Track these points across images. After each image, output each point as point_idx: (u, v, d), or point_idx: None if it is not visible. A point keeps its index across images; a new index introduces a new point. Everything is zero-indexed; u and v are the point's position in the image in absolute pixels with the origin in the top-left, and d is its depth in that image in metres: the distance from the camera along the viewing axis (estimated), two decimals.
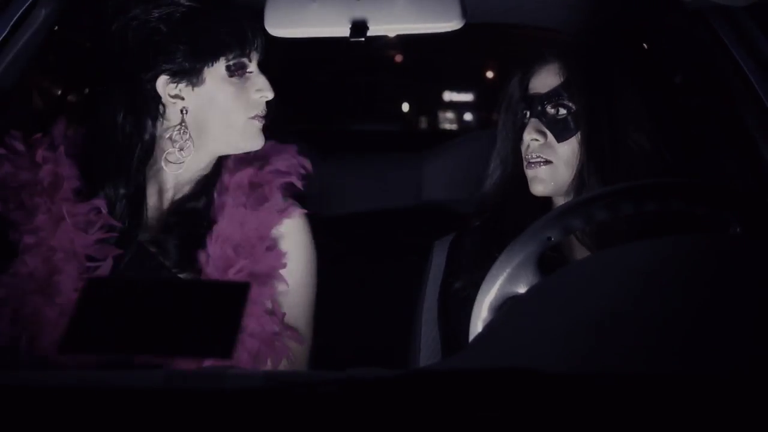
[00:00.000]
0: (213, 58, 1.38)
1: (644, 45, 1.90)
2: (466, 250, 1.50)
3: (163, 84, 1.39)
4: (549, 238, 1.00)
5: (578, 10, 1.95)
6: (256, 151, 1.46)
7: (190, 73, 1.38)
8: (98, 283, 0.73)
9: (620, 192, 0.99)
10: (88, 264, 1.35)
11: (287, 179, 1.46)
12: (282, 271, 1.42)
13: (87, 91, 2.17)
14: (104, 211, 1.37)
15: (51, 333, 1.31)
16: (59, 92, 2.19)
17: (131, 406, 0.66)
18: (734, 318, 0.77)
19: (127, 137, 1.40)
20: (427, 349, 1.63)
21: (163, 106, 1.40)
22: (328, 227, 2.26)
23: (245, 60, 1.41)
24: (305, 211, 1.48)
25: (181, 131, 1.40)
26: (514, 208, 1.45)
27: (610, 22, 1.84)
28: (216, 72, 1.39)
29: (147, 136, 1.40)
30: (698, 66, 1.69)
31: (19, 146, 1.40)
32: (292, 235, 1.45)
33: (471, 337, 0.99)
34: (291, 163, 1.47)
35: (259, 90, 1.42)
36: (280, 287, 1.42)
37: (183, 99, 1.40)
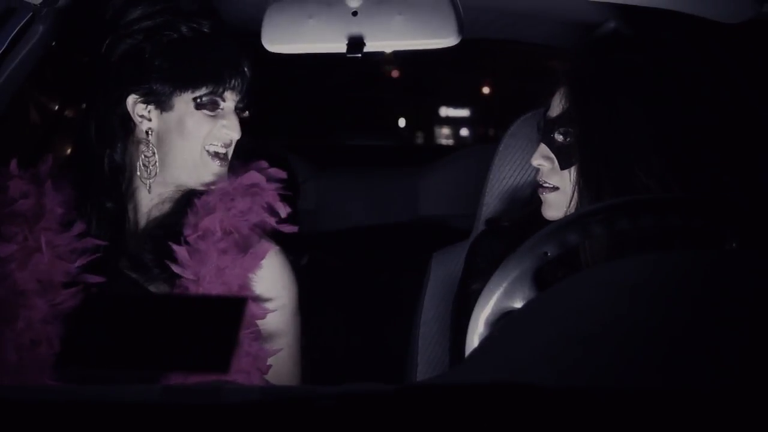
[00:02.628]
0: (183, 88, 1.40)
1: (639, 62, 1.91)
2: (485, 253, 1.48)
3: (132, 102, 1.41)
4: (545, 253, 1.00)
5: (572, 27, 1.97)
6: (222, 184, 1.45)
7: (159, 97, 1.40)
8: (95, 298, 0.73)
9: (617, 207, 1.00)
10: (63, 292, 1.34)
11: (257, 219, 1.44)
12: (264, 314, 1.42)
13: (84, 107, 2.18)
14: (85, 233, 1.38)
15: (19, 364, 1.30)
16: (56, 108, 2.19)
17: (127, 420, 0.66)
18: (732, 333, 0.77)
19: (100, 152, 1.42)
20: (425, 363, 1.63)
21: (133, 123, 1.42)
22: (323, 242, 2.27)
23: (217, 98, 1.41)
24: (278, 248, 1.46)
25: (146, 151, 1.42)
26: (540, 217, 1.41)
27: (603, 39, 1.85)
28: (185, 101, 1.40)
29: (117, 152, 1.43)
30: (692, 81, 1.69)
31: (8, 178, 1.40)
32: (271, 278, 1.44)
33: (467, 352, 0.99)
34: (257, 200, 1.45)
35: (224, 127, 1.41)
36: (263, 333, 1.42)
37: (150, 120, 1.42)
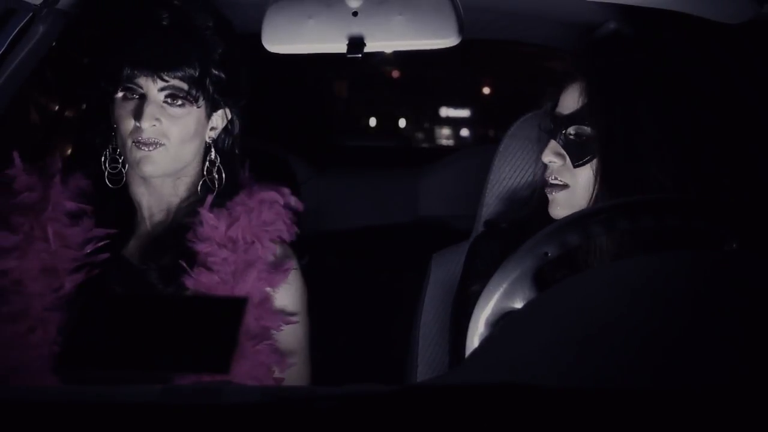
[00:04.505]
0: (108, 81, 1.41)
1: (657, 62, 1.90)
2: (485, 254, 1.48)
3: (110, 103, 1.44)
4: (546, 254, 1.00)
5: (572, 27, 1.97)
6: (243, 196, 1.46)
7: (105, 94, 1.42)
8: (96, 298, 0.73)
9: (617, 208, 1.00)
10: (66, 278, 1.36)
11: (278, 232, 1.46)
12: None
13: (84, 107, 2.18)
14: (93, 227, 1.40)
15: (19, 354, 1.31)
16: (56, 108, 2.19)
17: (128, 420, 0.66)
18: (731, 334, 0.77)
19: (94, 152, 1.45)
20: (425, 364, 1.63)
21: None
22: (324, 242, 2.26)
23: (131, 86, 1.39)
24: (296, 265, 1.48)
25: (114, 148, 1.44)
26: (539, 218, 1.40)
27: (619, 38, 1.85)
28: (109, 90, 1.42)
29: (110, 149, 1.45)
30: (693, 81, 1.69)
31: (15, 172, 1.42)
32: (289, 291, 1.46)
33: (467, 352, 0.99)
34: (279, 212, 1.47)
35: (137, 117, 1.38)
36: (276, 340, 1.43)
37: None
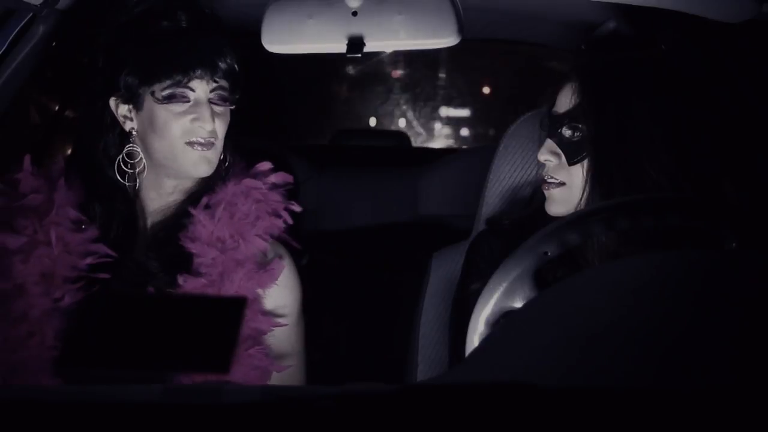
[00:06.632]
0: (147, 83, 1.38)
1: (651, 61, 1.91)
2: (485, 253, 1.48)
3: (114, 103, 1.41)
4: (546, 253, 1.00)
5: (572, 27, 1.97)
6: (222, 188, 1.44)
7: (132, 95, 1.39)
8: (96, 298, 0.73)
9: (617, 207, 1.00)
10: (66, 287, 1.35)
11: (265, 225, 1.44)
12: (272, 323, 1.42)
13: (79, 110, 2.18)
14: (98, 239, 1.39)
15: (17, 357, 1.31)
16: (57, 108, 2.20)
17: (128, 420, 0.66)
18: (731, 333, 0.77)
19: (99, 156, 1.43)
20: (425, 363, 1.63)
21: (119, 125, 1.42)
22: (323, 242, 2.27)
23: (182, 89, 1.37)
24: (289, 258, 1.47)
25: (132, 150, 1.42)
26: (540, 217, 1.40)
27: (614, 37, 1.85)
28: (151, 96, 1.38)
29: (111, 154, 1.43)
30: (692, 81, 1.70)
31: (21, 175, 1.41)
32: (280, 290, 1.44)
33: (467, 351, 0.99)
34: (261, 206, 1.45)
35: (195, 119, 1.38)
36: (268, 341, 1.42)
37: (132, 120, 1.41)
